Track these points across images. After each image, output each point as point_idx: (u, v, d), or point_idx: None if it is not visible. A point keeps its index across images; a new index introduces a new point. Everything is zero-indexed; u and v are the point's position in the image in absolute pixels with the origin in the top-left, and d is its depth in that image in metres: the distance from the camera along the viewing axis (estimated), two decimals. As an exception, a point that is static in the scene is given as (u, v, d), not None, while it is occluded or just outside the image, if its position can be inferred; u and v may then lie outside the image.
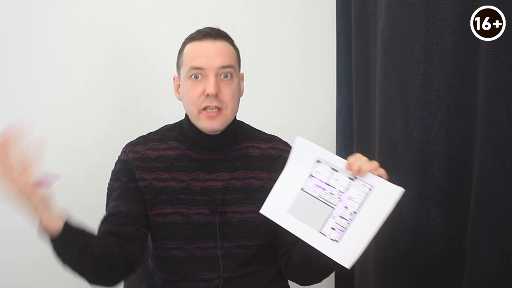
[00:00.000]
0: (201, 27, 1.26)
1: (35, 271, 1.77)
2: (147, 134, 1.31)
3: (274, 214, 1.13)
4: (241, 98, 1.28)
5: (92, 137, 1.80)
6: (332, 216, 1.10)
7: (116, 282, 1.19)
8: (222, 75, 1.21)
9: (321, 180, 1.12)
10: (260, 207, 1.14)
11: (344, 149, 1.94)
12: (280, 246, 1.28)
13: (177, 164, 1.24)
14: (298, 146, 1.15)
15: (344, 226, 1.09)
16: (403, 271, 1.48)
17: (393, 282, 1.54)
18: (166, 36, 1.80)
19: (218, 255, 1.22)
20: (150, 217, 1.23)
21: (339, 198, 1.10)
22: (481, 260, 1.24)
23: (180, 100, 1.28)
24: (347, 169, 1.09)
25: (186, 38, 1.26)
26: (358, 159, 1.09)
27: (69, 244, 1.07)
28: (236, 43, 1.28)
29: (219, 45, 1.22)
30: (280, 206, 1.12)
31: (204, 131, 1.23)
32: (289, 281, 1.35)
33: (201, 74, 1.20)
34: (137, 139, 1.30)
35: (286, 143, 1.33)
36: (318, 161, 1.12)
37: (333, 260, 1.08)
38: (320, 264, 1.14)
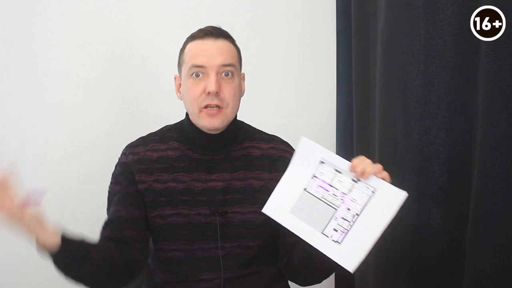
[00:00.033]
0: (201, 27, 1.26)
1: (35, 271, 1.76)
2: (147, 135, 1.31)
3: (276, 213, 1.12)
4: (241, 98, 1.28)
5: (92, 137, 1.80)
6: (334, 217, 1.10)
7: (118, 286, 1.20)
8: (223, 74, 1.21)
9: (324, 181, 1.12)
10: (261, 208, 1.14)
11: (344, 149, 1.94)
12: (281, 246, 1.27)
13: (177, 165, 1.24)
14: (302, 146, 1.14)
15: (346, 228, 1.09)
16: (403, 271, 1.48)
17: (393, 282, 1.54)
18: (166, 36, 1.80)
19: (219, 256, 1.22)
20: (150, 219, 1.23)
21: (342, 199, 1.10)
22: (481, 260, 1.24)
23: (181, 100, 1.27)
24: (351, 171, 1.10)
25: (187, 37, 1.26)
26: (362, 161, 1.09)
27: (69, 257, 1.07)
28: (236, 43, 1.28)
29: (220, 44, 1.22)
30: (283, 206, 1.12)
31: (205, 129, 1.23)
32: (289, 281, 1.35)
33: (202, 73, 1.20)
34: (137, 140, 1.30)
35: (287, 143, 1.33)
36: (322, 162, 1.12)
37: (333, 261, 1.08)
38: (321, 265, 1.14)
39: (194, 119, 1.24)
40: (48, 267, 1.09)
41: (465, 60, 1.31)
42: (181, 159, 1.25)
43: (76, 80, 1.77)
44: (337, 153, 1.15)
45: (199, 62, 1.20)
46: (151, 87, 1.83)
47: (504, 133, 1.17)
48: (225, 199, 1.23)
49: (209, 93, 1.18)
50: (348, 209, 1.09)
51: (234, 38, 1.27)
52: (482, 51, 1.23)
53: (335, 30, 1.95)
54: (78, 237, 1.10)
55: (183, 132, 1.28)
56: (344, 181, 1.10)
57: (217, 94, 1.19)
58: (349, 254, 1.07)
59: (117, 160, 1.29)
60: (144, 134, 1.31)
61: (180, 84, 1.27)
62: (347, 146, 1.92)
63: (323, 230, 1.10)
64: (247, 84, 1.32)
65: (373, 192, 1.08)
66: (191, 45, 1.23)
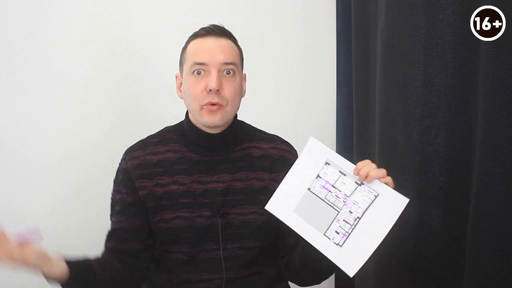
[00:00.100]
0: (201, 27, 1.26)
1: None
2: (146, 137, 1.30)
3: (279, 211, 1.12)
4: (242, 98, 1.28)
5: (92, 137, 1.80)
6: (337, 219, 1.10)
7: None
8: (225, 72, 1.21)
9: (327, 182, 1.12)
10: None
11: (344, 149, 1.94)
12: (282, 247, 1.27)
13: (178, 168, 1.24)
14: (310, 145, 1.14)
15: (348, 231, 1.09)
16: (403, 271, 1.48)
17: (393, 282, 1.54)
18: (166, 36, 1.80)
19: (220, 257, 1.22)
20: (154, 224, 1.23)
21: (344, 201, 1.10)
22: (481, 260, 1.24)
23: (182, 98, 1.27)
24: (355, 174, 1.10)
25: (190, 36, 1.26)
26: (367, 165, 1.10)
27: (79, 281, 1.10)
28: (238, 43, 1.27)
29: (222, 42, 1.22)
30: (286, 204, 1.12)
31: (205, 126, 1.23)
32: (289, 282, 1.35)
33: (203, 70, 1.20)
34: (136, 143, 1.29)
35: (287, 143, 1.33)
36: (327, 163, 1.12)
37: (334, 263, 1.08)
38: (321, 266, 1.14)
39: (195, 116, 1.23)
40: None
41: (465, 60, 1.31)
42: (181, 161, 1.24)
43: (76, 80, 1.77)
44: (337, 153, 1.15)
45: (200, 60, 1.20)
46: (151, 87, 1.83)
47: (504, 133, 1.17)
48: (226, 200, 1.23)
49: (210, 90, 1.18)
50: (350, 211, 1.09)
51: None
52: (482, 51, 1.23)
53: (335, 30, 1.95)
54: (81, 259, 1.13)
55: (183, 133, 1.28)
56: (348, 183, 1.11)
57: (218, 92, 1.19)
58: (350, 258, 1.07)
59: (116, 161, 1.29)
60: (144, 135, 1.31)
61: (181, 83, 1.27)
62: (347, 146, 1.92)
63: (325, 231, 1.10)
64: (247, 84, 1.32)
65: (375, 196, 1.09)
66: (193, 43, 1.23)
